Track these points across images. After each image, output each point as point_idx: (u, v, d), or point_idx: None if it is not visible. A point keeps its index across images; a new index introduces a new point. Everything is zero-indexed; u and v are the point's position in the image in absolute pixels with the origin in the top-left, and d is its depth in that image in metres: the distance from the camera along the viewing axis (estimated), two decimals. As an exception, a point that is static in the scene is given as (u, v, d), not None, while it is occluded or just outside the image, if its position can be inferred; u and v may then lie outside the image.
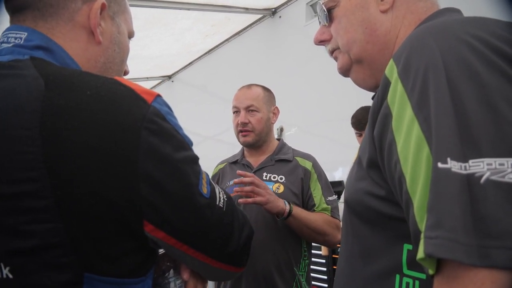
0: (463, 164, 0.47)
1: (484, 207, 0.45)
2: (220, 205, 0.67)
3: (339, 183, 2.75)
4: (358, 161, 0.67)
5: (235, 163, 1.65)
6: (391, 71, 0.59)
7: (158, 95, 0.62)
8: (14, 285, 0.53)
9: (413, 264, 0.58)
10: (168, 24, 3.51)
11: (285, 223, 1.39)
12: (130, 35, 0.78)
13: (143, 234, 0.59)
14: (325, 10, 0.80)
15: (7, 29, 0.66)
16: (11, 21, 0.67)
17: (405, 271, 0.59)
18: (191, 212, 0.62)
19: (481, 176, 0.46)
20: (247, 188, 1.32)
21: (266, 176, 1.53)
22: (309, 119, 3.41)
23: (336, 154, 2.93)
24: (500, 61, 0.53)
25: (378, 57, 0.76)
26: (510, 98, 0.51)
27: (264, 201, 1.32)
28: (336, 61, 0.83)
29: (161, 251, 0.68)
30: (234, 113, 1.61)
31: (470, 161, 0.47)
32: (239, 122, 1.55)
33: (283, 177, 1.51)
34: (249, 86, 1.63)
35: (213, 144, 4.46)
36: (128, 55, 0.78)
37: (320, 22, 0.84)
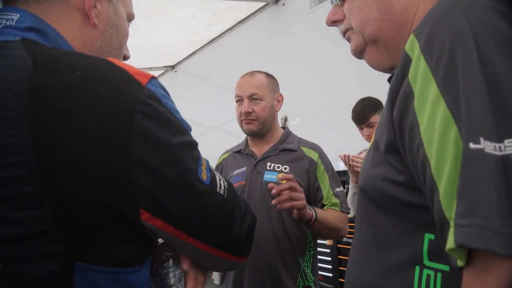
0: (497, 145, 0.44)
1: None
2: (221, 192, 0.64)
3: (344, 172, 2.73)
4: (375, 145, 0.63)
5: (239, 152, 1.63)
6: (412, 46, 0.54)
7: (153, 77, 0.59)
8: (3, 274, 0.51)
9: (436, 255, 0.54)
10: (169, 13, 3.47)
11: (308, 227, 1.38)
12: (130, 17, 0.75)
13: (139, 222, 0.56)
14: None
15: None
16: (3, 3, 0.65)
17: (426, 262, 0.56)
18: (189, 199, 0.59)
19: None
20: (284, 196, 1.24)
21: (270, 166, 1.50)
22: (313, 109, 3.37)
23: (340, 144, 2.90)
24: None
25: (395, 36, 0.72)
26: None
27: (302, 206, 1.27)
28: (349, 42, 0.79)
29: (160, 241, 0.67)
30: (237, 102, 1.57)
31: (506, 141, 0.44)
32: (242, 111, 1.51)
33: (287, 167, 1.49)
34: (252, 73, 1.59)
35: (217, 134, 4.44)
36: (127, 39, 0.75)
37: (332, 2, 0.81)
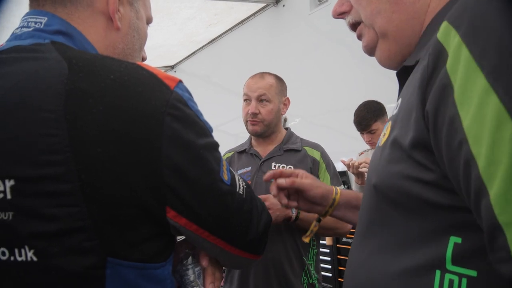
0: None
1: None
2: (240, 192, 0.67)
3: (343, 173, 2.75)
4: (392, 142, 0.59)
5: (243, 152, 1.64)
6: (447, 34, 0.50)
7: (180, 81, 0.62)
8: (39, 268, 0.53)
9: (461, 259, 0.51)
10: (170, 14, 3.48)
11: (294, 225, 1.39)
12: (149, 20, 0.77)
13: (165, 220, 0.58)
14: None
15: (27, 14, 0.65)
16: (30, 6, 0.67)
17: (449, 267, 0.52)
18: (213, 199, 0.62)
19: None
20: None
21: (275, 166, 1.52)
22: (313, 110, 3.39)
23: (340, 145, 2.92)
24: None
25: (406, 29, 0.68)
26: None
27: (273, 220, 1.29)
28: (360, 39, 0.76)
29: (179, 238, 0.68)
30: (244, 101, 1.58)
31: None
32: (249, 111, 1.52)
33: (292, 167, 1.50)
34: (262, 74, 1.60)
35: (216, 134, 4.42)
36: (146, 41, 0.77)
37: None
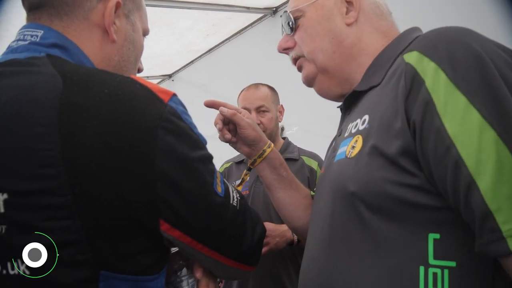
0: None
1: None
2: (234, 203, 0.67)
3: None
4: (371, 151, 0.66)
5: (241, 162, 1.65)
6: (420, 61, 0.61)
7: (174, 94, 0.62)
8: (31, 282, 0.53)
9: (441, 253, 0.58)
10: (168, 24, 3.51)
11: (298, 247, 1.39)
12: (145, 32, 0.78)
13: (158, 232, 0.59)
14: (292, 19, 0.82)
15: (23, 27, 0.66)
16: (27, 19, 0.68)
17: (431, 261, 0.59)
18: (206, 211, 0.62)
19: None
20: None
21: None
22: (310, 118, 3.40)
23: (337, 153, 2.92)
24: None
25: (344, 67, 0.79)
26: None
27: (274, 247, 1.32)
28: (300, 70, 0.86)
29: (173, 249, 0.69)
30: None
31: None
32: None
33: (289, 176, 1.51)
34: (257, 85, 1.63)
35: (213, 143, 4.43)
36: (142, 53, 0.78)
37: (283, 32, 0.87)
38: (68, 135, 0.53)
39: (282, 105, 1.68)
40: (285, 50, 0.88)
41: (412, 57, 0.62)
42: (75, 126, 0.54)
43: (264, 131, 1.54)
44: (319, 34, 0.79)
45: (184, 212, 0.59)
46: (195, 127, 0.65)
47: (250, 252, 0.71)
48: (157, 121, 0.57)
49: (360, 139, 0.69)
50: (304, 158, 1.59)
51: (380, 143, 0.64)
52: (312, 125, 3.41)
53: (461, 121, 0.55)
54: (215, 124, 1.03)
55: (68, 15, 0.66)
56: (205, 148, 0.66)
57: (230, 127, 1.03)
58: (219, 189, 0.65)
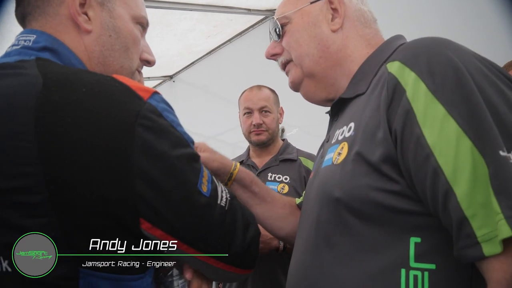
0: (507, 155, 0.53)
1: None
2: (222, 204, 0.66)
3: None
4: (355, 158, 0.67)
5: (241, 163, 1.66)
6: (401, 71, 0.63)
7: (155, 92, 0.62)
8: (13, 279, 0.54)
9: (422, 256, 0.60)
10: (170, 25, 3.52)
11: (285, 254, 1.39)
12: (137, 19, 0.76)
13: (140, 231, 0.58)
14: (279, 25, 0.85)
15: (20, 33, 0.68)
16: (23, 27, 0.71)
17: (412, 264, 0.60)
18: (189, 211, 0.61)
19: None
20: None
21: (271, 177, 1.55)
22: (310, 120, 3.41)
23: (337, 155, 2.93)
24: (499, 74, 0.61)
25: (330, 72, 0.81)
26: None
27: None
28: (287, 75, 0.87)
29: None
30: (245, 114, 1.62)
31: None
32: (253, 123, 1.56)
33: (287, 177, 1.53)
34: (259, 87, 1.65)
35: (214, 144, 4.43)
36: (137, 41, 0.75)
37: (271, 38, 0.88)
38: (44, 133, 0.54)
39: (282, 107, 1.70)
40: (272, 56, 0.90)
41: (394, 67, 0.64)
42: (52, 124, 0.54)
43: (266, 131, 1.56)
44: (305, 40, 0.81)
45: (165, 211, 0.58)
46: (178, 125, 0.64)
47: (241, 254, 0.68)
48: (134, 118, 0.57)
49: (346, 146, 0.71)
50: (302, 158, 1.61)
51: (364, 151, 0.66)
52: (312, 127, 3.41)
53: (440, 131, 0.57)
54: None
55: (41, 14, 0.67)
56: (189, 147, 0.65)
57: None
58: (204, 188, 0.63)
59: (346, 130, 0.72)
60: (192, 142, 0.67)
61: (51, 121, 0.54)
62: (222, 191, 0.68)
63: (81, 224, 0.55)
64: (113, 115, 0.56)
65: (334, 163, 0.71)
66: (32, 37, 0.66)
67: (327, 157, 0.76)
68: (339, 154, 0.71)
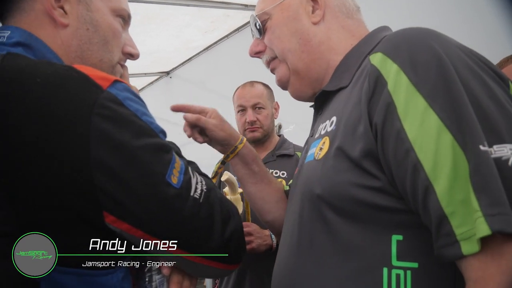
0: (489, 149, 0.51)
1: None
2: (196, 196, 0.62)
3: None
4: (336, 154, 0.65)
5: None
6: (384, 62, 0.61)
7: (117, 81, 0.60)
8: None
9: (404, 254, 0.59)
10: (166, 20, 3.50)
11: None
12: (116, 12, 0.75)
13: (105, 225, 0.56)
14: (259, 22, 0.82)
15: None
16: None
17: (395, 262, 0.59)
18: (156, 203, 0.58)
19: (508, 159, 0.51)
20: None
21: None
22: (307, 116, 3.40)
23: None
24: (484, 66, 0.59)
25: (313, 67, 0.79)
26: (504, 95, 0.56)
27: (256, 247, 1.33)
28: (274, 73, 0.85)
29: None
30: (238, 112, 1.61)
31: (495, 146, 0.51)
32: (247, 120, 1.56)
33: (285, 172, 1.53)
34: (252, 83, 1.64)
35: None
36: (117, 34, 0.74)
37: (253, 36, 0.87)
38: None
39: (277, 102, 1.69)
40: (256, 54, 0.88)
41: (376, 59, 0.62)
42: (4, 117, 0.53)
43: (260, 128, 1.55)
44: (286, 35, 0.79)
45: (129, 204, 0.56)
46: (144, 114, 0.61)
47: (221, 248, 0.65)
48: (90, 107, 0.55)
49: (327, 140, 0.69)
50: (298, 153, 1.61)
51: (345, 146, 0.64)
52: (308, 124, 3.40)
53: (420, 124, 0.55)
54: (184, 131, 1.00)
55: (17, 11, 0.67)
56: (157, 137, 0.62)
57: (199, 130, 1.01)
58: (175, 180, 0.60)
59: (328, 125, 0.71)
60: (162, 132, 0.65)
61: (3, 114, 0.53)
62: (197, 183, 0.64)
63: (40, 217, 0.53)
64: (67, 105, 0.54)
65: (316, 158, 0.70)
66: (7, 33, 0.65)
67: (310, 152, 0.74)
68: (321, 149, 0.69)
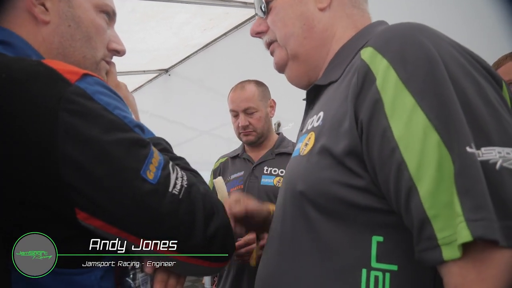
0: (476, 151, 0.49)
1: (503, 191, 0.47)
2: (175, 192, 0.60)
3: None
4: (320, 150, 0.63)
5: (236, 157, 1.66)
6: (373, 58, 0.58)
7: (86, 74, 0.58)
8: None
9: (384, 256, 0.57)
10: (166, 18, 3.49)
11: None
12: (100, 8, 0.74)
13: (77, 222, 0.55)
14: (264, 1, 0.79)
15: None
16: None
17: (374, 264, 0.57)
18: (130, 199, 0.56)
19: (496, 163, 0.49)
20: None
21: (267, 170, 1.54)
22: (306, 115, 3.41)
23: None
24: (477, 64, 0.57)
25: (314, 54, 0.76)
26: (495, 96, 0.54)
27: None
28: (272, 55, 0.83)
29: None
30: (233, 116, 1.62)
31: (483, 149, 0.49)
32: (239, 125, 1.56)
33: (283, 170, 1.53)
34: (242, 85, 1.63)
35: (209, 138, 4.45)
36: (100, 31, 0.73)
37: (257, 14, 0.83)
38: None
39: (273, 99, 1.67)
40: (257, 34, 0.84)
41: (366, 53, 0.60)
42: None
43: (254, 131, 1.55)
44: (290, 18, 0.76)
45: (101, 200, 0.55)
46: (116, 108, 0.60)
47: (204, 245, 0.62)
48: (57, 102, 0.53)
49: (313, 136, 0.67)
50: None
51: (329, 142, 0.62)
52: (308, 121, 3.41)
53: (407, 123, 0.53)
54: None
55: (0, 9, 0.66)
56: (130, 131, 0.60)
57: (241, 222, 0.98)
58: (151, 175, 0.58)
59: (315, 120, 0.68)
60: (139, 125, 0.63)
61: None
62: (177, 178, 0.62)
63: (10, 214, 0.52)
64: (32, 101, 0.53)
65: (301, 154, 0.67)
66: None
67: (297, 147, 0.72)
68: (306, 144, 0.67)
